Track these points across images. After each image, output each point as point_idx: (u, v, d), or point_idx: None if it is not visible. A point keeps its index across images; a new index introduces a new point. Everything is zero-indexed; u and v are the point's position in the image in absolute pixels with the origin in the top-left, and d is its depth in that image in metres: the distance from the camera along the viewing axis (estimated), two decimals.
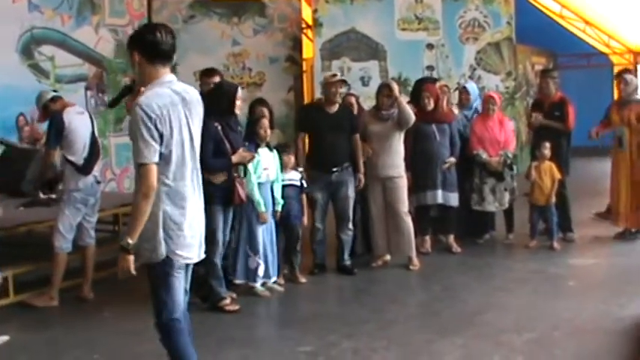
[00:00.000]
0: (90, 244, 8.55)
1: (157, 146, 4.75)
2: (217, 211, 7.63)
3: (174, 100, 4.86)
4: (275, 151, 8.56)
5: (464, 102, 11.11)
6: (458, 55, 16.09)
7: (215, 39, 16.09)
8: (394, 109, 9.45)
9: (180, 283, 5.05)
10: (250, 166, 8.03)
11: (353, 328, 7.28)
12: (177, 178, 4.90)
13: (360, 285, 8.97)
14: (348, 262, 9.46)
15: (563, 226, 11.01)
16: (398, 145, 9.53)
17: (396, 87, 9.54)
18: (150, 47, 4.89)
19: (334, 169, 9.20)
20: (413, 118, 9.37)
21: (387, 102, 9.47)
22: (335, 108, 9.33)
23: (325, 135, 9.20)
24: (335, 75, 9.65)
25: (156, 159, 4.77)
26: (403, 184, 9.57)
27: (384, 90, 9.60)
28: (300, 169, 9.19)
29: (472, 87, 11.54)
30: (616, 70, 21.22)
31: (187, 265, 5.11)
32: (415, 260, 9.57)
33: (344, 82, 9.69)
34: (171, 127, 4.81)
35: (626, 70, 11.62)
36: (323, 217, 9.43)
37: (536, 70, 19.42)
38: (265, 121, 8.46)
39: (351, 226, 9.46)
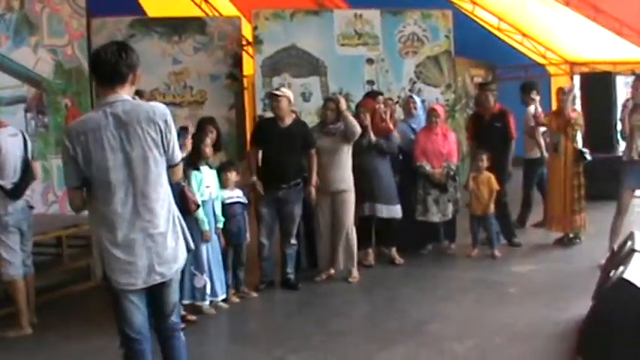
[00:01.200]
0: (28, 273, 8.18)
1: (75, 171, 4.87)
2: None
3: (101, 124, 4.85)
4: (214, 169, 8.60)
5: (412, 111, 11.15)
6: (398, 69, 16.22)
7: (156, 58, 16.04)
8: (340, 123, 9.50)
9: (134, 305, 5.06)
10: (194, 185, 8.08)
11: (298, 342, 7.35)
12: (102, 203, 4.91)
13: (304, 299, 9.01)
14: (292, 276, 9.48)
15: (506, 233, 11.23)
16: (346, 159, 9.57)
17: (342, 101, 9.64)
18: (93, 69, 5.07)
19: (282, 186, 9.21)
20: (358, 130, 9.44)
21: (331, 116, 9.53)
22: (287, 123, 9.32)
23: (275, 150, 9.23)
24: (277, 89, 9.63)
25: (75, 183, 4.91)
26: (351, 197, 9.63)
27: (330, 104, 9.68)
28: (254, 178, 9.23)
29: (419, 98, 11.69)
30: (553, 80, 21.66)
31: (151, 288, 5.09)
32: (355, 273, 9.65)
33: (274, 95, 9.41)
34: (89, 153, 4.83)
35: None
36: (269, 234, 9.41)
37: (476, 83, 19.63)
38: (208, 140, 8.50)
39: (294, 240, 9.47)
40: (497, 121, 11.10)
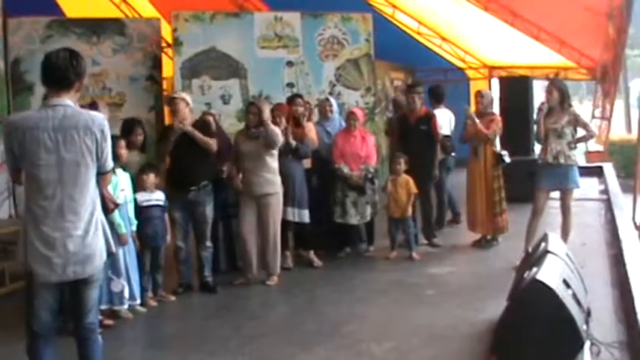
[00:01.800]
0: None
1: (13, 158, 5.25)
2: None
3: (40, 124, 5.13)
4: (128, 172, 8.52)
5: (327, 114, 11.18)
6: (318, 72, 16.23)
7: None
8: (262, 127, 9.50)
9: (44, 300, 5.31)
10: (110, 188, 8.00)
11: (216, 346, 7.34)
12: (32, 196, 5.22)
13: (223, 302, 8.98)
14: (210, 279, 9.43)
15: (427, 233, 11.40)
16: (271, 162, 9.55)
17: (266, 111, 9.58)
18: (42, 71, 5.31)
19: (191, 188, 9.16)
20: (279, 140, 9.46)
21: (254, 120, 9.49)
22: (184, 119, 9.19)
23: (181, 153, 9.14)
24: (175, 92, 9.69)
25: (13, 167, 5.35)
26: (278, 200, 9.64)
27: (252, 108, 9.65)
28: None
29: (334, 100, 11.72)
30: (472, 84, 21.92)
31: (69, 287, 5.36)
32: (275, 276, 9.66)
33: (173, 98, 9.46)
34: (24, 148, 5.13)
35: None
36: (184, 236, 9.36)
37: (396, 85, 19.76)
38: (122, 142, 8.42)
39: (209, 243, 9.40)
40: (423, 123, 11.23)
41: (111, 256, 5.74)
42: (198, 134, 9.23)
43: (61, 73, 5.25)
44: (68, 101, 5.27)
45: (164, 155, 9.45)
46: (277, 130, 9.48)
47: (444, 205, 12.72)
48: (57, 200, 5.16)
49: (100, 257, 5.38)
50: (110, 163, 5.50)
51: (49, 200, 5.16)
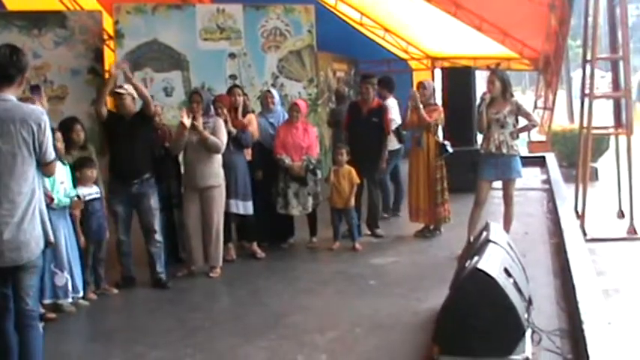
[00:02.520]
0: None
1: None
2: None
3: None
4: (67, 165, 8.41)
5: (269, 105, 11.11)
6: (260, 64, 16.21)
7: None
8: (207, 118, 9.48)
9: None
10: (47, 182, 7.91)
11: (158, 338, 7.31)
12: None
13: (165, 295, 8.93)
14: (163, 276, 9.23)
15: (371, 224, 11.44)
16: (215, 154, 9.48)
17: (199, 120, 9.39)
18: None
19: (134, 182, 9.00)
20: (219, 148, 9.44)
21: (198, 109, 9.39)
22: (130, 117, 9.07)
23: (123, 145, 9.02)
24: (121, 87, 9.21)
25: None
26: (221, 193, 9.60)
27: (195, 97, 9.56)
28: None
29: (276, 92, 11.68)
30: (415, 74, 22.01)
31: (9, 272, 5.54)
32: (218, 268, 9.62)
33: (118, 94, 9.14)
34: None
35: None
36: (126, 229, 9.21)
37: (338, 77, 19.77)
38: (59, 135, 8.31)
39: (158, 237, 9.21)
40: (375, 115, 11.27)
41: (50, 246, 5.78)
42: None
43: (2, 69, 5.43)
44: (9, 95, 5.48)
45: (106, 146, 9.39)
46: (217, 141, 9.41)
47: (402, 193, 12.73)
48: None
49: (37, 245, 5.53)
50: (51, 154, 5.63)
51: None
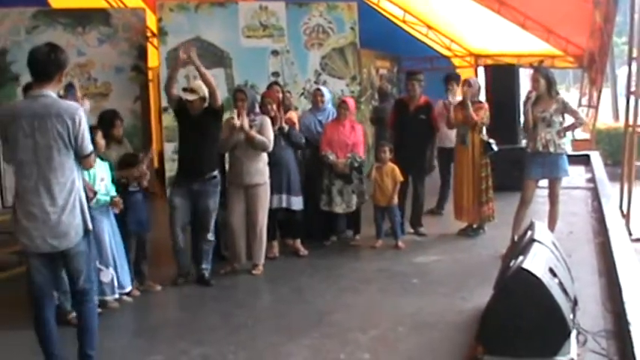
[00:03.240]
0: None
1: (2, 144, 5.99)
2: None
3: (22, 112, 5.81)
4: (107, 161, 8.42)
5: (319, 104, 11.10)
6: (303, 61, 16.21)
7: None
8: (253, 115, 9.47)
9: (36, 268, 5.99)
10: (86, 179, 7.95)
11: (202, 335, 7.31)
12: (16, 176, 5.91)
13: (209, 292, 8.94)
14: (206, 273, 9.20)
15: (414, 223, 11.42)
16: (261, 152, 9.48)
17: (245, 121, 9.36)
18: (28, 66, 5.92)
19: (197, 179, 8.96)
20: (267, 146, 9.43)
21: (242, 107, 9.35)
22: (198, 113, 8.93)
23: (189, 140, 9.05)
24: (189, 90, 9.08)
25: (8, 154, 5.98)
26: (266, 190, 9.59)
27: (239, 95, 9.52)
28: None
29: (326, 90, 11.64)
30: (458, 72, 21.85)
31: (57, 257, 6.01)
32: (261, 266, 9.62)
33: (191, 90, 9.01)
34: (8, 134, 5.83)
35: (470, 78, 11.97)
36: (183, 226, 9.18)
37: (381, 74, 19.74)
38: (100, 132, 8.34)
39: (211, 236, 9.16)
40: (423, 112, 11.23)
41: (87, 233, 6.09)
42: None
43: (42, 66, 5.85)
44: (49, 92, 5.86)
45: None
46: (264, 140, 9.40)
47: (448, 191, 12.64)
48: (34, 180, 5.80)
49: (77, 234, 5.95)
50: (87, 147, 6.00)
51: (27, 179, 5.82)
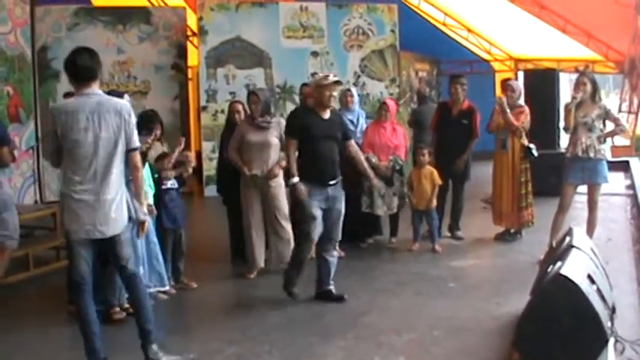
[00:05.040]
0: None
1: (54, 140, 6.30)
2: None
3: (80, 108, 6.20)
4: (147, 161, 8.44)
5: (348, 105, 11.07)
6: (342, 63, 16.27)
7: (100, 47, 15.58)
8: (269, 117, 9.41)
9: (80, 254, 6.31)
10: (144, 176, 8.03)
11: (236, 334, 7.30)
12: (71, 168, 6.24)
13: (243, 291, 8.99)
14: (332, 287, 8.49)
15: (451, 226, 11.44)
16: (276, 153, 9.39)
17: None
18: (70, 70, 6.33)
19: (331, 182, 8.27)
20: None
21: (256, 109, 9.33)
22: (328, 114, 8.37)
23: (320, 144, 8.28)
24: (327, 77, 8.40)
25: (53, 149, 6.38)
26: (282, 191, 9.49)
27: (253, 98, 9.47)
28: (296, 179, 8.15)
29: (355, 91, 11.63)
30: (498, 76, 21.80)
31: (103, 244, 6.37)
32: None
33: (339, 82, 8.37)
34: (66, 129, 6.18)
35: (510, 79, 11.91)
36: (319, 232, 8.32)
37: (420, 77, 19.71)
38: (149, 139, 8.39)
39: (337, 249, 8.61)
40: (465, 117, 11.20)
41: (131, 220, 6.55)
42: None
43: (89, 69, 6.28)
44: (98, 90, 6.38)
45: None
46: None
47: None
48: (92, 171, 6.20)
49: (122, 222, 6.38)
50: (136, 141, 6.45)
51: (85, 170, 6.19)
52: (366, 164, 8.94)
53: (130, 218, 6.49)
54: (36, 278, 9.57)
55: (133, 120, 6.43)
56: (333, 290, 8.46)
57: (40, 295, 8.88)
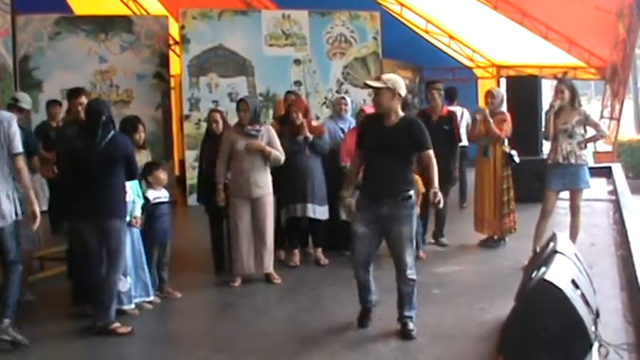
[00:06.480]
0: None
1: None
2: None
3: None
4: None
5: (342, 112, 11.04)
6: (325, 70, 16.29)
7: (82, 56, 15.96)
8: (258, 126, 9.37)
9: None
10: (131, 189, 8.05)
11: (222, 343, 7.31)
12: None
13: (229, 299, 8.93)
14: (407, 321, 7.41)
15: (436, 233, 11.48)
16: (266, 163, 9.38)
17: (259, 143, 9.30)
18: None
19: (387, 200, 7.26)
20: (280, 160, 9.39)
21: (245, 117, 9.29)
22: (393, 121, 7.37)
23: (375, 157, 7.46)
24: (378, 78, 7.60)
25: None
26: (270, 200, 9.51)
27: (242, 105, 9.42)
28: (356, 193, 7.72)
29: (349, 99, 11.63)
30: (480, 83, 21.88)
31: None
32: (275, 274, 9.56)
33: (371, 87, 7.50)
34: None
35: (493, 89, 11.95)
36: (369, 253, 7.57)
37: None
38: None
39: (411, 274, 7.45)
40: (446, 123, 11.21)
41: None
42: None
43: None
44: None
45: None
46: (277, 154, 9.37)
47: (466, 196, 12.90)
48: None
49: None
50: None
51: None
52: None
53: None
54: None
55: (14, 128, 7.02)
56: (408, 326, 7.34)
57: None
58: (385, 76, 7.47)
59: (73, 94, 8.93)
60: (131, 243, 8.20)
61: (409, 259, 7.37)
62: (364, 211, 7.45)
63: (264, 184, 9.38)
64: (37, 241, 8.88)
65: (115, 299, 7.75)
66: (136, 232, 8.32)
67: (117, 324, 7.54)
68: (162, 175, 8.86)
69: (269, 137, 9.37)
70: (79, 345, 7.38)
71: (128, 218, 8.06)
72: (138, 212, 8.29)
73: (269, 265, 9.51)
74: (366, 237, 7.40)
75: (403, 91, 7.29)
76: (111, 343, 7.25)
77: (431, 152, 7.50)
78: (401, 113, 7.38)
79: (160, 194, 8.80)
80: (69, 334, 7.56)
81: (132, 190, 8.24)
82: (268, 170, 9.46)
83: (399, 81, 7.31)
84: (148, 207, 8.59)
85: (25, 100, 9.91)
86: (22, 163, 7.12)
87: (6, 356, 6.96)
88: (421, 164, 7.71)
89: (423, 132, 7.52)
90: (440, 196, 7.25)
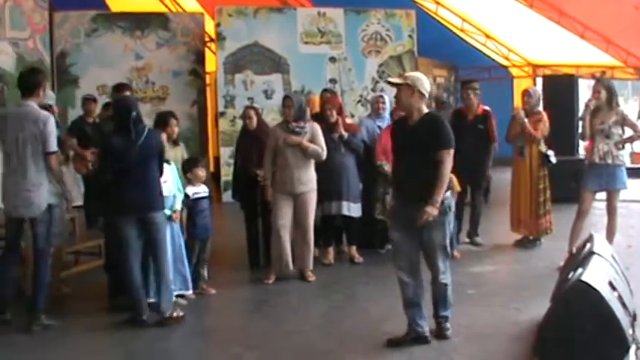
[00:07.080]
0: None
1: None
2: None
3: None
4: (170, 164, 8.47)
5: (380, 111, 10.98)
6: (360, 68, 16.26)
7: (118, 52, 16.03)
8: (303, 122, 9.35)
9: None
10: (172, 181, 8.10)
11: (256, 340, 7.31)
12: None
13: (263, 297, 8.93)
14: (445, 323, 7.27)
15: (470, 232, 11.42)
16: (310, 159, 9.39)
17: (298, 140, 9.28)
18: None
19: (416, 203, 6.83)
20: (320, 155, 9.35)
21: (290, 114, 9.29)
22: (415, 120, 7.03)
23: (402, 156, 7.16)
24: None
25: None
26: (314, 197, 9.47)
27: (287, 101, 9.44)
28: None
29: (387, 97, 11.57)
30: (516, 82, 21.75)
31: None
32: (310, 271, 9.56)
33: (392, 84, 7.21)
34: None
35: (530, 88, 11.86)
36: (412, 269, 7.20)
37: (438, 83, 19.69)
38: (164, 135, 8.44)
39: (444, 278, 7.21)
40: (481, 122, 11.16)
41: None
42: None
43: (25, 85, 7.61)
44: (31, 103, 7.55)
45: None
46: (318, 150, 9.34)
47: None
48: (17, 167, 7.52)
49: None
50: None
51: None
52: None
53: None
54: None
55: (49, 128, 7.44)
56: (443, 325, 7.21)
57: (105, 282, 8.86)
58: (407, 74, 7.32)
59: (118, 89, 9.01)
60: (171, 237, 8.23)
61: (442, 264, 7.09)
62: (395, 215, 7.25)
63: (307, 180, 9.37)
64: (67, 235, 9.09)
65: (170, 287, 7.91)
66: (176, 226, 8.36)
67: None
68: (202, 172, 8.91)
69: (312, 134, 9.37)
70: (115, 338, 7.45)
71: (169, 212, 8.12)
72: (178, 206, 8.37)
73: (309, 262, 9.53)
74: (402, 243, 7.07)
75: (425, 89, 6.92)
76: (146, 337, 7.29)
77: (446, 153, 6.95)
78: (424, 111, 7.02)
79: (199, 189, 8.84)
80: (105, 328, 7.64)
81: (173, 184, 8.28)
82: (312, 167, 9.45)
83: (421, 78, 7.01)
84: (188, 202, 8.65)
85: (49, 96, 9.94)
86: (54, 162, 7.58)
87: (45, 347, 7.01)
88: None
89: (441, 129, 7.00)
90: (428, 215, 6.73)
